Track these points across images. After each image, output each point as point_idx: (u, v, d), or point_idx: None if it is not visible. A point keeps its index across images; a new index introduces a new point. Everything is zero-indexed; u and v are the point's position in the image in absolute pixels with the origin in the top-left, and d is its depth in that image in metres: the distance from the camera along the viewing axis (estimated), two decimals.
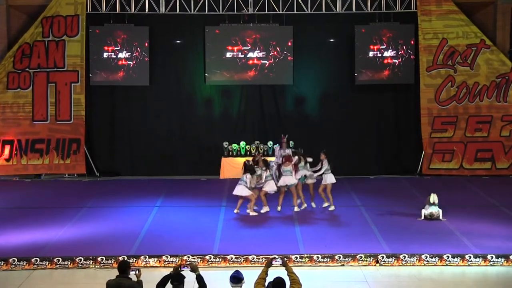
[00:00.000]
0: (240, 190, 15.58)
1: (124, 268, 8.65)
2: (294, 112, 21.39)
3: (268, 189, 15.82)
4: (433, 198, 15.17)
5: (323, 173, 16.06)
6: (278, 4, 20.60)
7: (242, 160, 17.63)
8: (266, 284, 7.91)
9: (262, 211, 15.88)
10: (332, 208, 16.16)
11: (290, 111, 21.41)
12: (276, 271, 8.05)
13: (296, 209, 16.12)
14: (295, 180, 15.94)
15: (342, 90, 21.33)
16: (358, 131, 21.25)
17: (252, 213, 15.73)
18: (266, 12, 20.63)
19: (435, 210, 15.10)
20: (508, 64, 20.67)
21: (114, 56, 20.63)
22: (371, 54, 20.70)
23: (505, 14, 20.95)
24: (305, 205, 16.30)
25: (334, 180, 16.11)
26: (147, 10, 20.72)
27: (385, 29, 20.68)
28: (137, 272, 8.59)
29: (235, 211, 15.76)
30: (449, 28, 20.65)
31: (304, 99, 21.48)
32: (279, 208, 16.05)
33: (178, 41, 21.17)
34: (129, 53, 20.63)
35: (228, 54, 20.77)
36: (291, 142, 19.15)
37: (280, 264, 8.23)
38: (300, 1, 20.64)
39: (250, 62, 20.77)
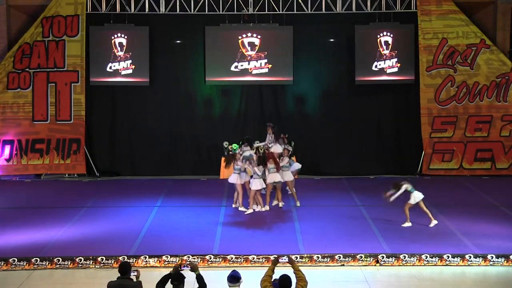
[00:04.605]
0: (256, 184, 15.70)
1: (125, 269, 8.68)
2: (294, 112, 21.37)
3: (256, 188, 15.85)
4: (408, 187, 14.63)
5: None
6: (278, 4, 20.59)
7: None
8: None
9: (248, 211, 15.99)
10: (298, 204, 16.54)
11: (290, 111, 21.39)
12: (282, 270, 8.14)
13: (280, 204, 16.33)
14: (281, 178, 16.09)
15: (342, 90, 21.31)
16: (358, 131, 21.24)
17: (242, 208, 16.03)
18: (266, 12, 20.62)
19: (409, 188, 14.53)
20: (508, 64, 20.67)
21: (114, 56, 20.63)
22: (371, 54, 20.69)
23: (505, 14, 20.94)
24: (283, 202, 16.52)
25: (291, 178, 16.51)
26: (147, 10, 20.71)
27: (385, 29, 20.65)
28: (135, 272, 8.63)
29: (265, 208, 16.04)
30: (449, 28, 20.63)
31: (304, 99, 21.46)
32: (267, 207, 16.11)
33: (178, 41, 21.15)
34: (129, 53, 20.63)
35: (228, 54, 20.74)
36: (292, 142, 19.18)
37: (287, 262, 8.30)
38: (300, 1, 20.62)
39: (250, 62, 20.74)
